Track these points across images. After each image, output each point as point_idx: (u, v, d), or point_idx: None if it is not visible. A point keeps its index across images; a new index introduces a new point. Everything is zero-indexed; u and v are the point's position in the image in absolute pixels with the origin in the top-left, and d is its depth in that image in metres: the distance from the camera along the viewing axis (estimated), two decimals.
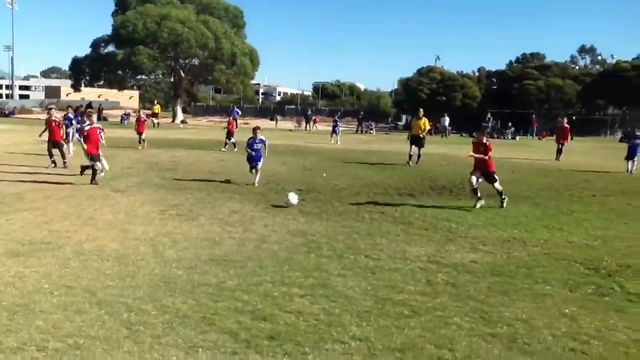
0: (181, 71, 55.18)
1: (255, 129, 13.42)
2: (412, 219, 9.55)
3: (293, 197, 10.40)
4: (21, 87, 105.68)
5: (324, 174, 15.46)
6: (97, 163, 12.48)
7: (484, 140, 11.03)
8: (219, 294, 5.45)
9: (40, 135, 16.39)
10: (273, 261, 6.66)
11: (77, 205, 9.80)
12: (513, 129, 47.03)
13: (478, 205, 10.70)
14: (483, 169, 10.95)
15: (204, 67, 55.36)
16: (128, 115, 48.63)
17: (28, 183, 12.09)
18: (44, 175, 12.93)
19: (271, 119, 56.02)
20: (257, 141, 13.13)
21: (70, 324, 4.61)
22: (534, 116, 48.64)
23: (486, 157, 10.87)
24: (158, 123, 42.76)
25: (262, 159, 13.16)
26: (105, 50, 54.26)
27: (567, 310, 5.24)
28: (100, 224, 8.39)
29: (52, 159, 14.94)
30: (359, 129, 48.07)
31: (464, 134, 48.74)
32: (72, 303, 5.08)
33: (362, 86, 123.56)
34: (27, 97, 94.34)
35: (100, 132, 12.79)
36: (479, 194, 10.80)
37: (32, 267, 6.11)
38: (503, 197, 10.86)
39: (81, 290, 5.43)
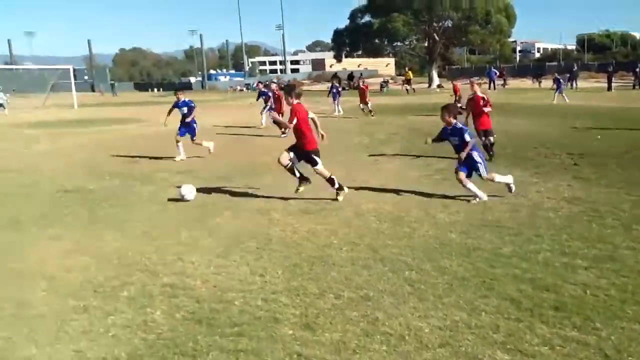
0: (435, 35, 55.05)
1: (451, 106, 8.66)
2: None
3: (187, 191, 8.28)
4: (292, 62, 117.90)
5: (599, 136, 14.03)
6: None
7: (292, 101, 7.91)
8: (495, 259, 5.41)
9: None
10: (550, 229, 6.33)
11: (350, 171, 10.61)
12: None
13: (301, 189, 8.17)
14: (299, 145, 8.07)
15: (457, 28, 54.32)
16: (387, 82, 50.55)
17: None
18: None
19: (534, 78, 52.31)
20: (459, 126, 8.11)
21: (359, 277, 5.08)
22: None
23: (290, 125, 7.87)
24: (413, 89, 43.66)
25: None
26: (362, 21, 57.08)
27: None
28: (374, 188, 8.98)
29: None
30: (636, 83, 42.22)
31: None
32: (358, 258, 5.59)
33: (637, 35, 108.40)
34: (297, 70, 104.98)
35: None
36: (296, 174, 8.15)
37: (321, 225, 6.87)
38: (337, 186, 8.05)
39: (365, 247, 5.93)
